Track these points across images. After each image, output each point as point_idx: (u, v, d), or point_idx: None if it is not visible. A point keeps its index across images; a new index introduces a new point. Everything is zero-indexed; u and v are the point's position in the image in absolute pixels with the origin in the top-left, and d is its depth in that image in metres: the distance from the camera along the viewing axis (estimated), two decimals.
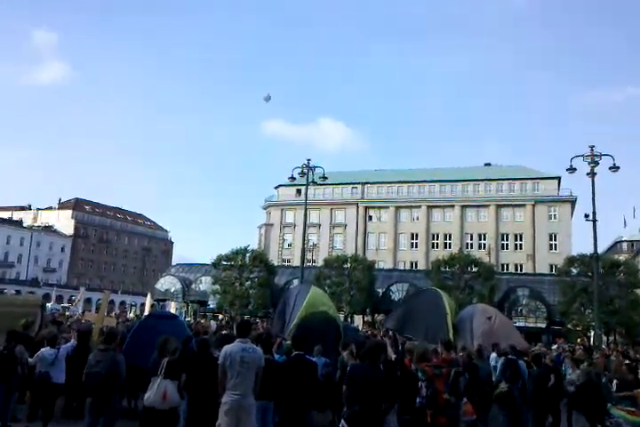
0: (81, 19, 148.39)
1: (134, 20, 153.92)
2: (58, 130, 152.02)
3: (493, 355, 12.03)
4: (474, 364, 10.60)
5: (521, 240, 63.36)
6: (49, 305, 25.01)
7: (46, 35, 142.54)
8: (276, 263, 50.03)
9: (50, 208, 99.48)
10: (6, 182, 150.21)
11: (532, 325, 37.61)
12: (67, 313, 24.68)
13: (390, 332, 14.92)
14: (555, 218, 62.76)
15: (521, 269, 58.94)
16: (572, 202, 62.76)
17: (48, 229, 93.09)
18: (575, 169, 24.45)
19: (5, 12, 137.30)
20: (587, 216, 26.67)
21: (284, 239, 71.60)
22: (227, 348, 6.71)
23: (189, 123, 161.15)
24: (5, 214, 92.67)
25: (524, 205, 63.87)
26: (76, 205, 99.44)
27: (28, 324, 10.40)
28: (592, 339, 30.78)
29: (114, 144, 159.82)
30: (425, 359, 7.03)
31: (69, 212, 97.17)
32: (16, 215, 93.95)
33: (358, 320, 40.73)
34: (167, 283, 46.17)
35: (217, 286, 40.73)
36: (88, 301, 43.97)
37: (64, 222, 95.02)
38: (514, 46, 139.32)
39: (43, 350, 9.46)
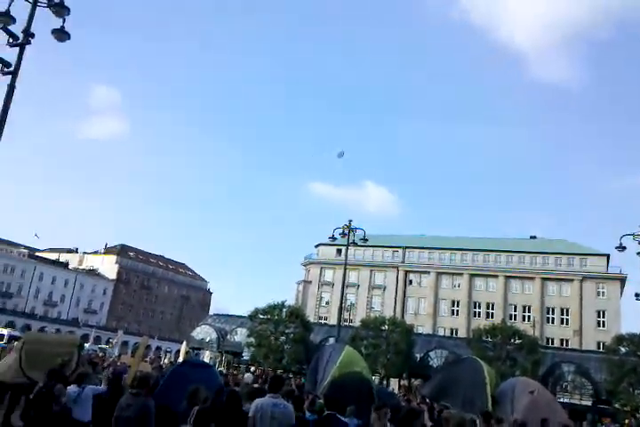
0: (141, 76, 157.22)
1: (188, 78, 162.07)
2: (111, 180, 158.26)
3: None
4: None
5: (567, 315, 61.18)
6: (87, 346, 25.25)
7: (107, 90, 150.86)
8: (312, 320, 49.54)
9: (96, 252, 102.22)
10: (57, 226, 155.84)
11: (576, 402, 35.77)
12: (103, 355, 24.83)
13: (427, 399, 14.41)
14: (603, 295, 60.65)
15: (567, 345, 56.57)
16: (622, 280, 60.72)
17: (92, 272, 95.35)
18: (625, 247, 24.06)
19: (67, 68, 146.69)
20: (637, 295, 25.87)
21: (321, 297, 71.12)
22: (258, 401, 6.64)
23: (235, 178, 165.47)
24: (53, 256, 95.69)
25: (571, 280, 62.11)
26: (122, 250, 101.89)
27: (64, 362, 10.50)
28: None
29: (162, 196, 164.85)
30: None
31: (114, 257, 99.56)
32: (63, 257, 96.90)
33: (394, 384, 39.49)
34: (203, 332, 46.19)
35: (252, 339, 40.45)
36: (125, 344, 44.23)
37: (108, 267, 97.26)
38: (559, 120, 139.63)
39: (69, 387, 9.55)
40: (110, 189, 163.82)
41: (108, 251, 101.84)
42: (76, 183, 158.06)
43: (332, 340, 34.19)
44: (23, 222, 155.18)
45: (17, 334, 36.50)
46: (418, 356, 40.25)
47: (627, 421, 30.22)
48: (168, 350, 44.46)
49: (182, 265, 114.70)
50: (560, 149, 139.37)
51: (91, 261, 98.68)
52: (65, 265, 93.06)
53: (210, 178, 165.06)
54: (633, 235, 24.06)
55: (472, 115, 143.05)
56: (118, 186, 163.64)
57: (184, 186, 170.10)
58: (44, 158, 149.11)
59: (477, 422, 10.81)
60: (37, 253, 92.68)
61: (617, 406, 33.87)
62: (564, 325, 60.83)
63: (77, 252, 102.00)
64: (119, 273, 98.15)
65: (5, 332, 39.06)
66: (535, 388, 15.05)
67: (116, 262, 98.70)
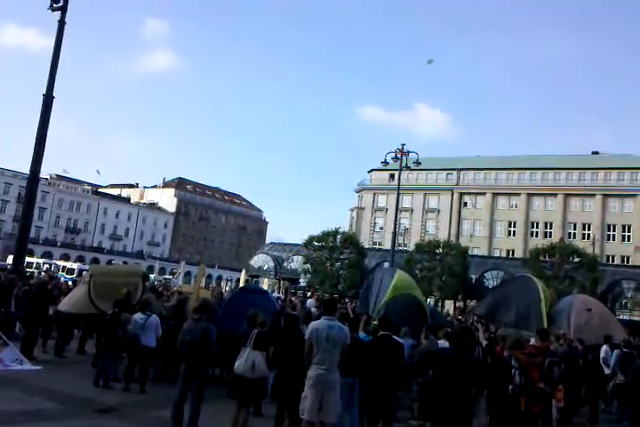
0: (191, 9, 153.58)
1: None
2: (165, 115, 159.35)
3: (604, 347, 11.46)
4: (574, 355, 10.21)
5: (629, 232, 59.54)
6: (152, 276, 26.48)
7: (158, 23, 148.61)
8: (366, 246, 50.05)
9: (155, 187, 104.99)
10: (117, 163, 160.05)
11: (637, 318, 35.53)
12: (168, 284, 26.05)
13: (482, 319, 14.52)
14: None
15: (627, 262, 55.42)
16: None
17: (153, 206, 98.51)
18: None
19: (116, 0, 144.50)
20: None
21: (375, 223, 71.44)
22: (314, 324, 6.75)
23: (286, 107, 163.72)
24: (115, 191, 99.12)
25: (634, 196, 59.84)
26: (179, 184, 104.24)
27: (129, 292, 11.00)
28: None
29: (215, 128, 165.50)
30: (519, 347, 6.78)
31: (172, 190, 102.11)
32: (125, 193, 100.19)
33: (449, 305, 40.09)
34: (260, 260, 47.63)
35: (308, 266, 41.45)
36: (188, 274, 46.28)
37: (167, 200, 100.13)
38: (621, 29, 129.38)
39: (135, 315, 10.05)
40: (165, 124, 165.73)
41: (166, 185, 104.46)
42: (132, 119, 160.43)
43: (386, 264, 34.59)
44: (85, 160, 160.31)
45: (86, 267, 38.67)
46: (473, 277, 40.43)
47: None
48: (228, 278, 46.25)
49: (238, 196, 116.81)
50: (619, 61, 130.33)
51: (151, 196, 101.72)
52: (127, 200, 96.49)
53: (261, 107, 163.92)
54: None
55: (526, 28, 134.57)
56: (173, 120, 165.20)
57: (236, 117, 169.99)
58: (101, 94, 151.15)
59: (533, 340, 10.85)
60: (100, 190, 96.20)
61: None
62: (625, 241, 59.38)
63: (138, 187, 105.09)
64: (178, 206, 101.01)
65: (75, 266, 41.41)
66: (593, 305, 14.92)
67: (175, 196, 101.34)
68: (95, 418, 7.47)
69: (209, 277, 59.81)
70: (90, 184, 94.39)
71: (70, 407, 7.30)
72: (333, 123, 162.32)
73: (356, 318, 9.51)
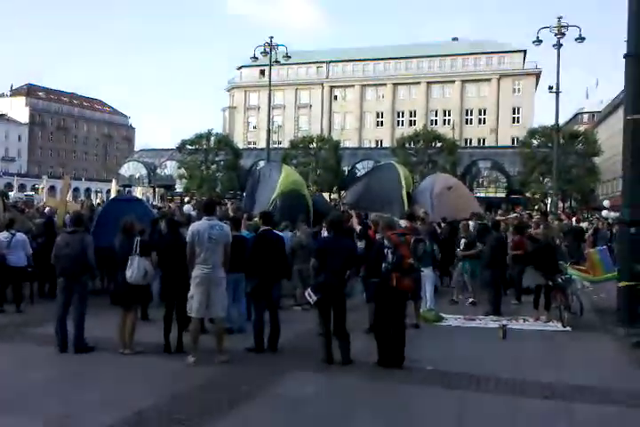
0: None
1: None
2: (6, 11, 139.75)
3: (472, 223, 12.61)
4: (435, 232, 11.42)
5: (485, 115, 63.53)
6: (11, 194, 24.65)
7: None
8: (241, 146, 49.56)
9: (1, 95, 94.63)
10: None
11: (492, 195, 39.13)
12: (31, 201, 24.45)
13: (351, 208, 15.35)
14: (519, 92, 62.57)
15: (484, 144, 59.70)
16: (537, 75, 62.31)
17: (2, 117, 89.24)
18: (541, 41, 24.58)
19: None
20: (550, 88, 26.89)
21: (248, 122, 70.38)
22: (194, 225, 6.85)
23: (149, 1, 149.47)
24: None
25: (489, 80, 63.19)
26: (30, 91, 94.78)
27: None
28: (549, 205, 32.35)
29: (65, 22, 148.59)
30: (391, 229, 7.29)
31: (23, 99, 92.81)
32: None
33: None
34: (131, 168, 45.73)
35: (183, 171, 40.57)
36: (52, 189, 43.51)
37: (18, 110, 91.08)
38: None
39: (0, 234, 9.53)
40: (4, 22, 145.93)
41: (15, 93, 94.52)
42: None
43: (262, 163, 34.66)
44: None
45: None
46: (345, 169, 41.81)
47: (536, 207, 33.65)
48: (98, 190, 44.07)
49: (98, 102, 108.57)
50: None
51: None
52: None
53: (122, 6, 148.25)
54: (550, 27, 24.36)
55: None
56: (13, 18, 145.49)
57: (88, 10, 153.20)
58: None
59: (402, 222, 11.67)
60: None
61: (528, 195, 37.31)
62: (482, 124, 63.48)
63: None
64: (31, 116, 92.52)
65: None
66: (453, 184, 16.20)
67: (26, 104, 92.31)
68: None
69: (76, 190, 56.67)
70: None
71: None
72: (201, 16, 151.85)
73: (237, 217, 9.68)
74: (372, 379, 6.28)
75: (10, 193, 23.88)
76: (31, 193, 41.43)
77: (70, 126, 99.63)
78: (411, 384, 6.15)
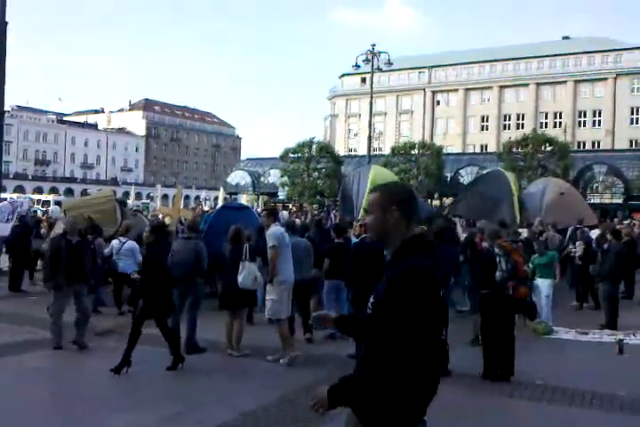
0: None
1: None
2: (123, 34, 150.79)
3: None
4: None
5: (600, 116, 59.90)
6: (129, 202, 26.36)
7: None
8: (342, 154, 49.96)
9: (121, 110, 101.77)
10: (78, 87, 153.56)
11: (607, 201, 36.69)
12: (146, 208, 26.03)
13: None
14: (637, 91, 58.43)
15: (599, 147, 56.30)
16: None
17: (122, 130, 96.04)
18: None
19: None
20: None
21: (349, 129, 70.88)
22: (279, 229, 7.17)
23: (254, 17, 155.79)
24: (81, 119, 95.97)
25: (604, 79, 59.54)
26: (146, 105, 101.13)
27: (90, 217, 10.82)
28: None
29: (180, 44, 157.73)
30: (498, 236, 7.09)
31: (140, 113, 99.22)
32: (91, 119, 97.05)
33: None
34: (237, 177, 47.47)
35: (285, 178, 41.50)
36: (165, 197, 46.14)
37: (136, 123, 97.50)
38: None
39: (113, 241, 10.12)
40: (125, 43, 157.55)
41: (133, 107, 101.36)
42: (90, 40, 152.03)
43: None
44: (46, 89, 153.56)
45: (62, 198, 38.14)
46: (448, 176, 40.92)
47: None
48: (207, 197, 46.17)
49: (208, 114, 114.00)
50: None
51: (118, 120, 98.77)
52: (94, 126, 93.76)
53: (227, 17, 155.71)
54: None
55: None
56: (132, 39, 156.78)
57: (199, 30, 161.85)
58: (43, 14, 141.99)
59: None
60: (65, 118, 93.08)
61: None
62: (597, 126, 59.94)
63: (104, 112, 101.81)
64: (147, 128, 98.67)
65: (50, 198, 40.95)
66: (565, 189, 15.43)
67: (143, 118, 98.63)
68: (94, 341, 7.76)
69: (187, 197, 59.74)
70: (54, 113, 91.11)
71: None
72: (303, 28, 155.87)
73: (340, 225, 9.79)
74: (478, 392, 6.10)
75: (128, 201, 25.52)
76: (147, 201, 44.14)
77: (183, 138, 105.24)
78: (518, 399, 5.92)
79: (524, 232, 11.51)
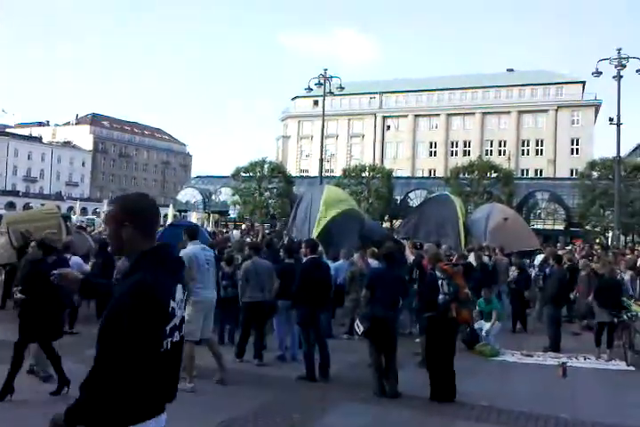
0: None
1: None
2: (72, 47, 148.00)
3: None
4: (484, 264, 11.49)
5: (542, 146, 62.40)
6: (74, 217, 25.62)
7: None
8: (293, 174, 50.12)
9: (68, 124, 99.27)
10: (24, 100, 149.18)
11: (549, 227, 37.97)
12: (92, 224, 25.34)
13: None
14: (577, 123, 61.30)
15: (541, 175, 58.45)
16: (597, 106, 60.95)
17: (68, 144, 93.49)
18: (601, 73, 24.06)
19: None
20: (611, 120, 26.19)
21: (301, 150, 71.32)
22: (188, 250, 6.84)
23: (208, 36, 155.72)
24: (25, 131, 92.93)
25: (546, 111, 62.23)
26: (94, 120, 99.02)
27: (29, 231, 10.48)
28: (610, 239, 31.13)
29: (130, 60, 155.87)
30: (439, 260, 7.21)
31: (87, 127, 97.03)
32: (35, 132, 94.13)
33: None
34: (188, 195, 46.83)
35: (237, 197, 41.26)
36: None
37: (83, 138, 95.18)
38: None
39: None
40: (73, 56, 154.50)
41: (79, 121, 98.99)
42: (35, 51, 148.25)
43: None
44: None
45: (2, 212, 36.69)
46: (398, 198, 41.60)
47: (597, 240, 32.40)
48: None
49: (158, 130, 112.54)
50: None
51: (64, 134, 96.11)
52: (39, 139, 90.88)
53: (178, 36, 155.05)
54: (610, 59, 23.76)
55: None
56: (81, 52, 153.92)
57: (150, 47, 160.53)
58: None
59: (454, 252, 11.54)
60: (8, 130, 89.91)
61: (588, 227, 35.95)
62: (539, 155, 62.31)
63: (49, 125, 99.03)
64: (95, 143, 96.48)
65: None
66: (509, 215, 15.90)
67: (90, 133, 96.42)
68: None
69: None
70: None
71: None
72: (254, 50, 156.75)
73: (291, 245, 9.77)
74: (425, 413, 6.13)
75: (72, 216, 24.79)
76: (92, 217, 42.99)
77: (131, 153, 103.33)
78: (465, 420, 5.97)
79: (471, 256, 11.75)
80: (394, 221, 39.75)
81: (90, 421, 1.98)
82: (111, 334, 2.00)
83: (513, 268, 12.15)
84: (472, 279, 9.64)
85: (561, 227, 38.53)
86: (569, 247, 18.78)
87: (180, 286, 2.23)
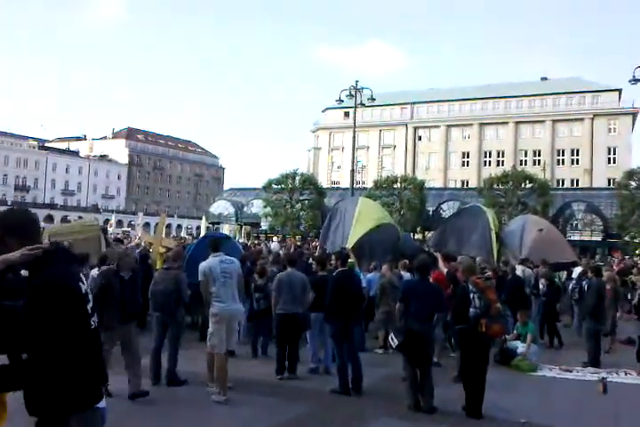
0: None
1: None
2: (111, 60, 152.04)
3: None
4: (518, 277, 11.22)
5: (578, 155, 61.24)
6: (110, 229, 26.12)
7: None
8: (325, 186, 50.22)
9: (104, 138, 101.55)
10: (62, 113, 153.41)
11: (586, 238, 37.08)
12: (127, 236, 25.79)
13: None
14: (614, 131, 60.04)
15: (577, 185, 57.33)
16: (634, 114, 59.66)
17: (104, 158, 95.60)
18: (638, 80, 23.35)
19: None
20: None
21: (332, 162, 71.44)
22: (204, 264, 6.88)
23: (237, 50, 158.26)
24: (62, 145, 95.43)
25: (582, 120, 61.12)
26: (129, 134, 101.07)
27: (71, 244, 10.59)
28: None
29: (164, 75, 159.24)
30: (473, 273, 7.09)
31: (123, 141, 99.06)
32: (72, 146, 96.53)
33: None
34: (220, 207, 47.30)
35: (268, 209, 41.46)
36: (147, 225, 45.79)
37: (118, 151, 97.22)
38: None
39: (92, 270, 9.89)
40: (109, 73, 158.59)
41: (115, 135, 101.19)
42: (79, 74, 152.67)
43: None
44: (28, 115, 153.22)
45: (42, 225, 37.51)
46: (430, 210, 41.22)
47: (637, 251, 31.47)
48: (189, 227, 45.81)
49: (191, 143, 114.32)
50: None
51: (100, 148, 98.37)
52: (76, 153, 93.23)
53: (209, 50, 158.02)
54: None
55: None
56: (118, 69, 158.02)
57: (183, 61, 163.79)
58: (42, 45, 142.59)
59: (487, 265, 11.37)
60: (47, 144, 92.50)
61: (627, 239, 34.96)
62: (575, 165, 61.17)
63: (86, 139, 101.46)
64: (130, 156, 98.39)
65: None
66: (544, 226, 15.59)
67: (126, 146, 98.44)
68: None
69: (168, 226, 59.27)
70: (35, 139, 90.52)
71: None
72: (286, 63, 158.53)
73: (322, 258, 9.74)
74: None
75: (109, 229, 25.29)
76: (128, 229, 43.76)
77: (165, 166, 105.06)
78: None
79: (518, 269, 11.64)
80: (426, 232, 39.39)
81: (36, 408, 2.18)
82: (40, 322, 2.22)
83: (542, 280, 11.89)
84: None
85: (599, 238, 37.64)
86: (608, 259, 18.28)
87: (82, 275, 2.55)
